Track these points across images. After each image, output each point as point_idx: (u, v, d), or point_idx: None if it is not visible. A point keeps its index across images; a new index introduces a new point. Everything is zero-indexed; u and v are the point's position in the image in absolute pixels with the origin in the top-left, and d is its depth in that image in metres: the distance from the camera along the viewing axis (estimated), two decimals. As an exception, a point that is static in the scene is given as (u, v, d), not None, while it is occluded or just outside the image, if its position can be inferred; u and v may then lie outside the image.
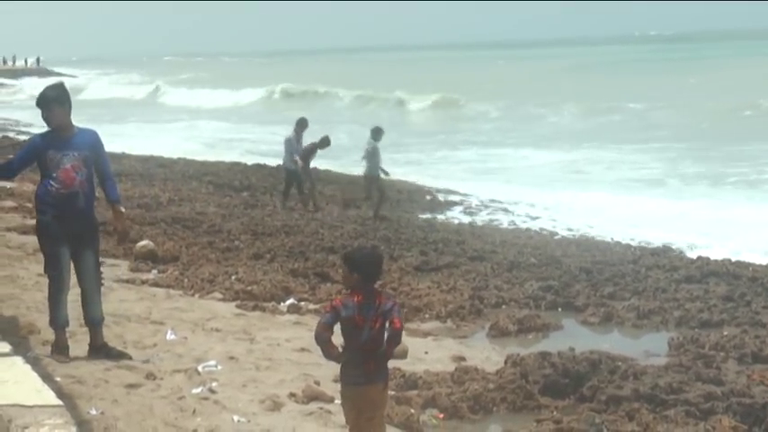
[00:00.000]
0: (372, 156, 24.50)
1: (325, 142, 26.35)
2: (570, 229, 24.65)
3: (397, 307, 7.64)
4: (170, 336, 12.56)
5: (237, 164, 35.66)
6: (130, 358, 11.14)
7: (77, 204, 10.51)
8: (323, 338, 7.55)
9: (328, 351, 7.61)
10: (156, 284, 16.18)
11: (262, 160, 36.36)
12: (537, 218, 26.62)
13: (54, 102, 10.56)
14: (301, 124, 26.45)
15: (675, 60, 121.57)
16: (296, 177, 26.08)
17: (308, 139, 26.46)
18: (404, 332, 13.62)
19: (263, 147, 45.74)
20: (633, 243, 22.47)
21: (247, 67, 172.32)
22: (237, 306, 14.99)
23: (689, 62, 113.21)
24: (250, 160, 37.03)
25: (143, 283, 16.23)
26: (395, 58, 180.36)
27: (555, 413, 10.78)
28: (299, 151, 25.78)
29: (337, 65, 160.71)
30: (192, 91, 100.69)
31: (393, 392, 10.85)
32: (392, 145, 43.45)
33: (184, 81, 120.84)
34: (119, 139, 40.36)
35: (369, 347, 7.53)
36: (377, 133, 24.79)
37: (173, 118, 69.37)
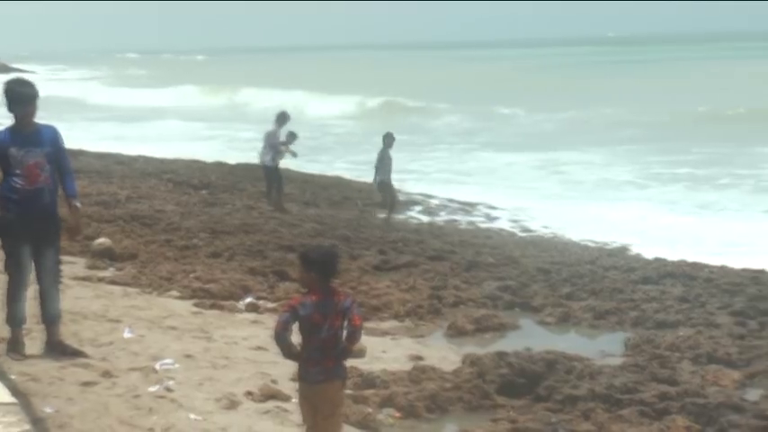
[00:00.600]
0: (382, 162, 24.34)
1: (293, 137, 26.05)
2: (528, 231, 24.74)
3: (356, 304, 7.65)
4: (127, 334, 12.50)
5: (197, 161, 35.47)
6: (86, 356, 11.08)
7: (42, 201, 10.46)
8: (281, 337, 7.55)
9: (286, 350, 7.60)
10: (113, 282, 16.09)
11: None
12: (496, 218, 26.71)
13: (35, 98, 10.53)
14: (282, 118, 26.12)
15: (634, 62, 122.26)
16: (276, 174, 25.87)
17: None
18: (362, 331, 13.69)
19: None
20: (591, 244, 22.58)
21: (187, 65, 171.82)
22: (195, 304, 14.95)
23: (647, 64, 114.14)
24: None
25: (100, 280, 16.14)
26: (347, 57, 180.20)
27: (511, 413, 10.82)
28: (277, 144, 25.60)
29: (295, 63, 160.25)
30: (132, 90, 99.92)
31: (350, 391, 10.86)
32: (350, 144, 43.65)
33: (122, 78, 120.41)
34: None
35: (328, 345, 7.53)
36: (388, 139, 24.57)
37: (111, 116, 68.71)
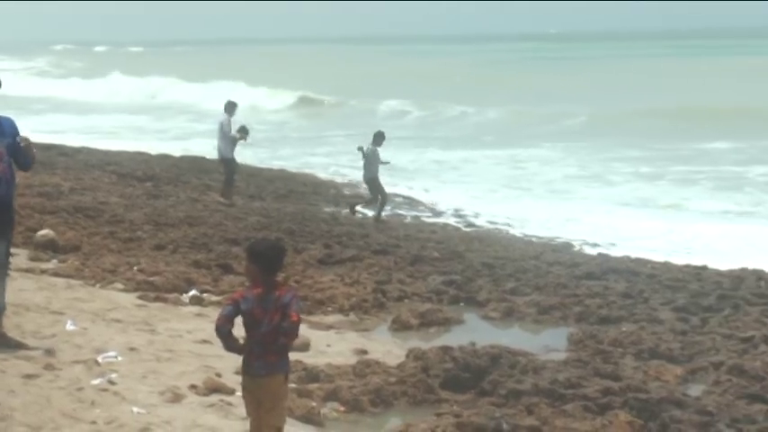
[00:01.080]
0: (371, 159, 24.41)
1: (244, 131, 25.78)
2: (473, 226, 24.80)
3: (296, 300, 7.60)
4: (70, 326, 12.41)
5: (141, 153, 35.31)
6: (29, 348, 11.00)
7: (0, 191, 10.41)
8: (222, 331, 7.54)
9: (228, 343, 7.59)
10: (56, 274, 15.97)
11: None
12: (441, 213, 26.74)
13: None
14: (231, 107, 25.82)
15: (574, 59, 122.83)
16: (234, 166, 25.67)
17: None
18: (306, 325, 13.69)
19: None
20: (535, 240, 22.68)
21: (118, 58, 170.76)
22: (139, 297, 14.87)
23: (586, 61, 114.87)
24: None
25: (43, 272, 16.00)
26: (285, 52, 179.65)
27: (455, 407, 10.86)
28: (230, 135, 25.34)
29: (230, 57, 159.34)
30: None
31: (294, 385, 10.86)
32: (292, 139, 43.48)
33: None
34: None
35: (268, 340, 7.51)
36: (378, 138, 24.63)
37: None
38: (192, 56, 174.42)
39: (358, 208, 25.35)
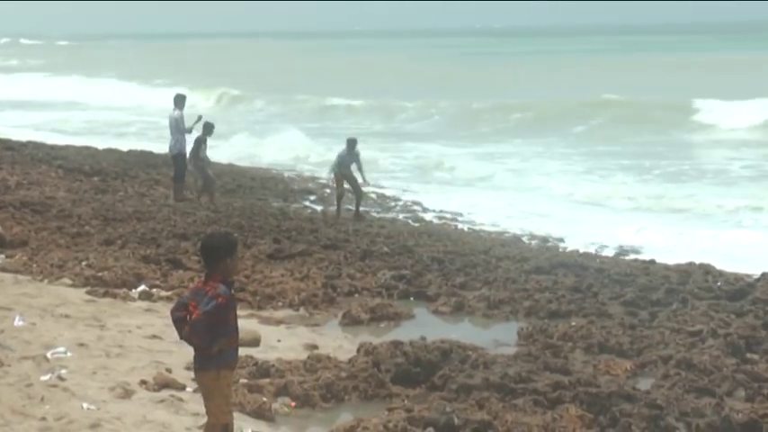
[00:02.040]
0: (340, 159, 24.40)
1: (209, 129, 24.72)
2: (422, 221, 24.83)
3: (211, 297, 7.55)
4: (18, 322, 12.34)
5: (88, 148, 35.08)
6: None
7: None
8: (173, 317, 7.72)
9: (178, 330, 7.71)
10: (3, 269, 15.87)
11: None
12: (390, 208, 26.75)
13: None
14: (180, 101, 24.93)
15: (508, 54, 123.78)
16: (183, 162, 24.70)
17: None
18: (257, 320, 13.71)
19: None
20: (483, 234, 22.75)
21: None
22: (88, 292, 14.81)
23: (527, 56, 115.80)
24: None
25: (-10, 268, 15.91)
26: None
27: (406, 402, 10.88)
28: (186, 130, 24.52)
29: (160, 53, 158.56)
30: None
31: (245, 380, 10.85)
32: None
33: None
34: None
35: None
36: (351, 143, 24.52)
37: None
38: (112, 50, 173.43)
39: (362, 209, 25.00)
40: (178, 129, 24.61)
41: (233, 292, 7.79)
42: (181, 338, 7.78)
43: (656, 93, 54.90)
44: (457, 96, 59.44)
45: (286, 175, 32.47)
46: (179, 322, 7.63)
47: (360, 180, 24.48)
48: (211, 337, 7.52)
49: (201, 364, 7.66)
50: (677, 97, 52.03)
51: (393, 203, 27.47)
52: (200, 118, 24.54)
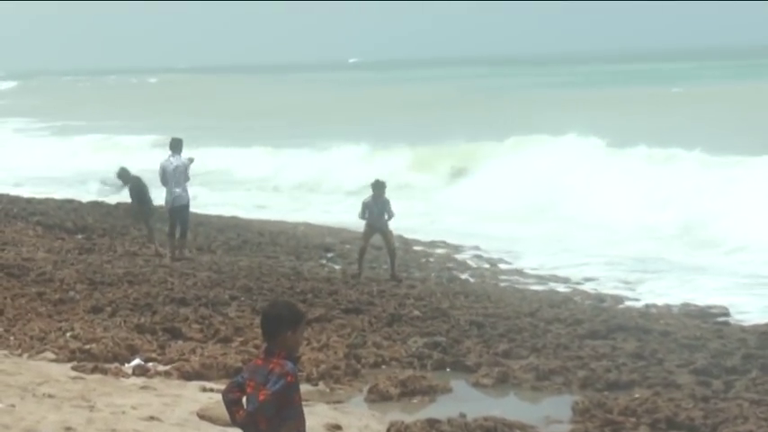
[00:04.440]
0: (381, 209, 24.09)
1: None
2: (456, 279, 24.78)
3: (279, 375, 7.60)
4: (-5, 403, 12.36)
5: (70, 201, 35.18)
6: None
7: None
8: (225, 399, 7.82)
9: (231, 415, 7.82)
10: (-24, 343, 15.93)
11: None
12: (421, 265, 26.72)
13: None
14: (177, 145, 25.18)
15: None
16: (188, 214, 25.30)
17: None
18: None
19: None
20: (529, 294, 22.71)
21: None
22: (74, 368, 14.84)
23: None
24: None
25: (-40, 342, 15.97)
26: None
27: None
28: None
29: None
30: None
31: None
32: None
33: None
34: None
35: (249, 421, 7.62)
36: (379, 187, 24.22)
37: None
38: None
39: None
40: (186, 176, 24.87)
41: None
42: (234, 424, 7.79)
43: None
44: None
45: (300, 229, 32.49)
46: (233, 405, 7.66)
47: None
48: (279, 421, 7.55)
49: None
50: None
51: (423, 259, 27.40)
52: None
